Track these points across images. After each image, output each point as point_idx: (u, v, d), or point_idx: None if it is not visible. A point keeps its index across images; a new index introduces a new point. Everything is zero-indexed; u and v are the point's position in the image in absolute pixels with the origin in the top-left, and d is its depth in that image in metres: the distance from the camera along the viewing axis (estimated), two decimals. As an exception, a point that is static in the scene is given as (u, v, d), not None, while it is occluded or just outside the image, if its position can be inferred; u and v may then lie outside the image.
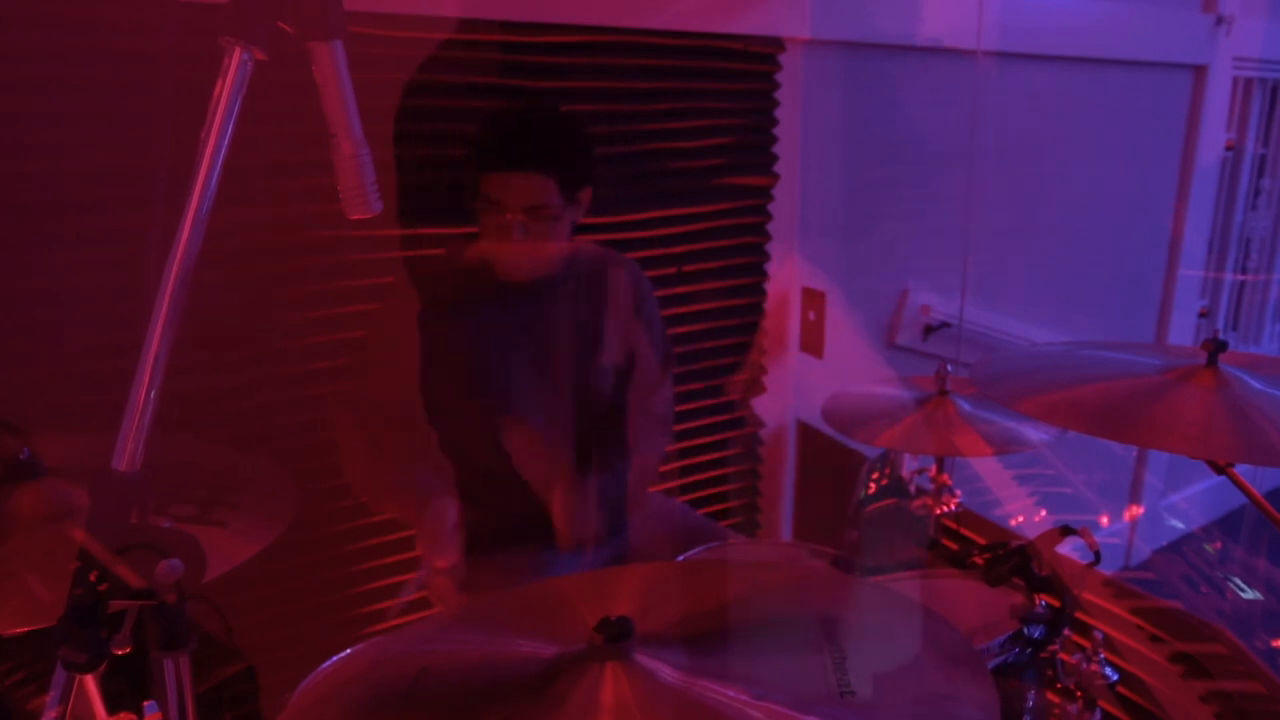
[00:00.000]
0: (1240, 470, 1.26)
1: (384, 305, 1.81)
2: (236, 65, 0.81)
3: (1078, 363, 1.51)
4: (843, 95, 2.58)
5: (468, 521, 1.70)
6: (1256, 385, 1.29)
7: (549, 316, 1.79)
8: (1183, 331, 3.98)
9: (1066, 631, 1.28)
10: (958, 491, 2.04)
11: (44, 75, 1.56)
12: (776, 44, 2.38)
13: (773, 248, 2.51)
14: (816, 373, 2.60)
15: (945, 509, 2.02)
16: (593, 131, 2.03)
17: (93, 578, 0.79)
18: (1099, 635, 1.29)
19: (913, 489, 2.16)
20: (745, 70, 2.38)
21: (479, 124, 1.69)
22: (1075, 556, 1.31)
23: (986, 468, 3.08)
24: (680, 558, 1.73)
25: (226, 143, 0.81)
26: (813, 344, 2.56)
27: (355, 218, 0.88)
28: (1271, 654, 1.85)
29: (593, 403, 1.85)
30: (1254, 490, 1.28)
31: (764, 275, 2.53)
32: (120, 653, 0.79)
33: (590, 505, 1.74)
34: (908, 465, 2.18)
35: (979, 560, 1.24)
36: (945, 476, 2.04)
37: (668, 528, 1.95)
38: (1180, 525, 4.19)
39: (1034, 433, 1.84)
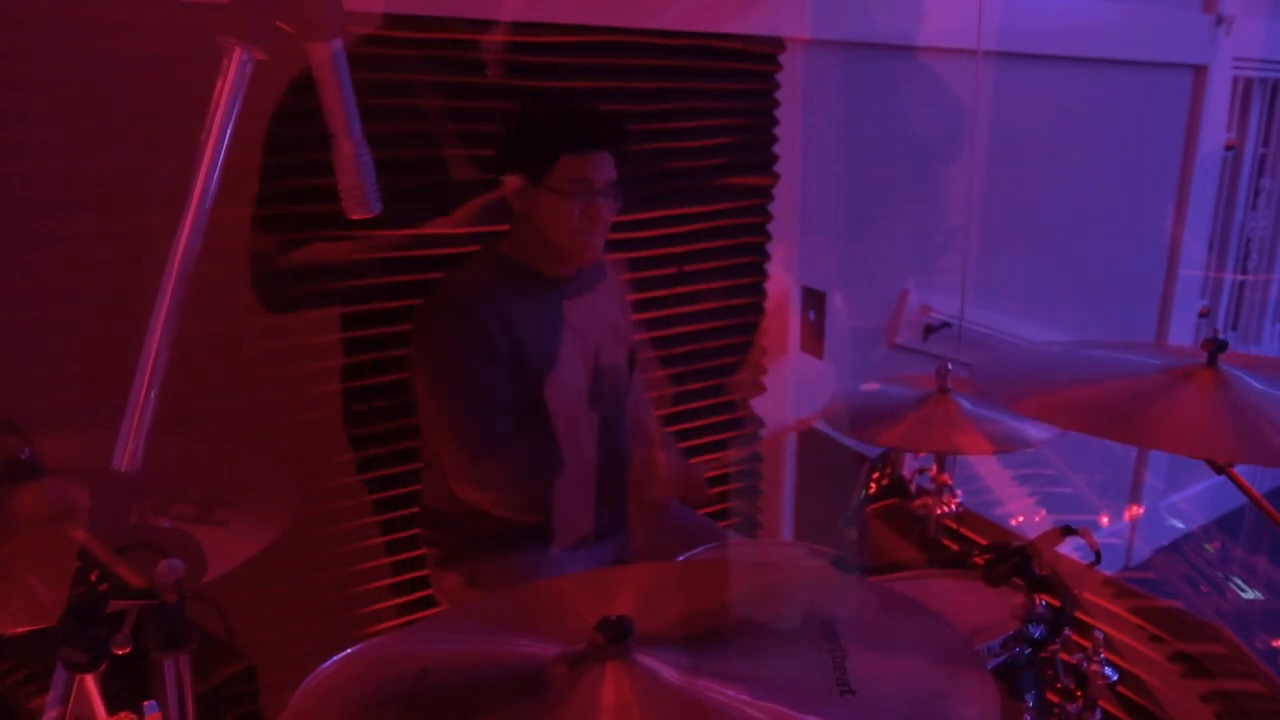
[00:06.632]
0: (1240, 470, 1.26)
1: (430, 302, 1.77)
2: (236, 65, 0.81)
3: (1078, 363, 1.51)
4: (843, 95, 2.58)
5: (483, 522, 1.72)
6: (1257, 385, 1.29)
7: (584, 312, 1.82)
8: (1183, 331, 3.98)
9: (1067, 631, 1.28)
10: (958, 491, 2.04)
11: (44, 75, 1.56)
12: (776, 44, 2.38)
13: (773, 248, 2.51)
14: (816, 373, 2.60)
15: (946, 509, 2.02)
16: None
17: (93, 577, 0.79)
18: (1099, 635, 1.29)
19: (913, 489, 2.16)
20: (745, 70, 2.38)
21: (528, 117, 1.73)
22: (1076, 556, 1.31)
23: (987, 467, 3.08)
24: (680, 558, 1.73)
25: (226, 142, 0.82)
26: (813, 344, 2.56)
27: (355, 217, 0.89)
28: (1271, 654, 1.84)
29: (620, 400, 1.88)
30: (1254, 490, 1.28)
31: (764, 275, 2.53)
32: (120, 652, 0.79)
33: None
34: (908, 465, 2.18)
35: (979, 560, 1.24)
36: (946, 476, 2.04)
37: (668, 527, 1.95)
38: (1180, 525, 4.18)
39: (1035, 431, 1.84)
